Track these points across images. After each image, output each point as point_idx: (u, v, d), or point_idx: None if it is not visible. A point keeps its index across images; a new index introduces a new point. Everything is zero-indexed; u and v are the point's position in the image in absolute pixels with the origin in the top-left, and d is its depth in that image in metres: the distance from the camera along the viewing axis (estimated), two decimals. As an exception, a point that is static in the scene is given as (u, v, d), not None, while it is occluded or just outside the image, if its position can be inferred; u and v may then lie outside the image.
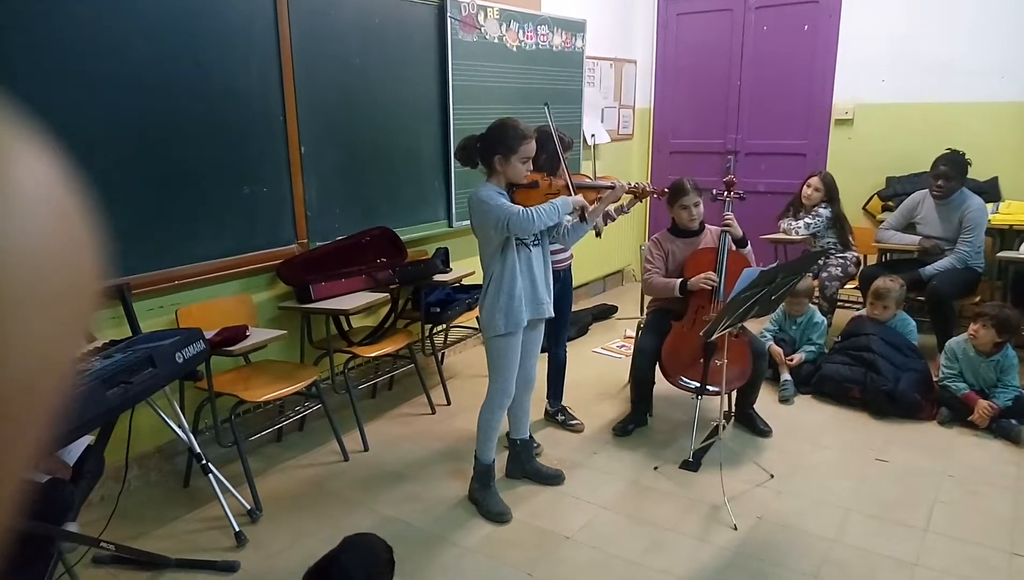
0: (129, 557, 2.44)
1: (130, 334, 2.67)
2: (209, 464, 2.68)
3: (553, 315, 2.87)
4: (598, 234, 2.70)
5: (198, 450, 2.68)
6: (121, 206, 2.78)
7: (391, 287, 3.61)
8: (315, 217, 3.49)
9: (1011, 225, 4.44)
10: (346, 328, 3.55)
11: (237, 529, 2.63)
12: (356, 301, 3.31)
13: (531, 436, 3.17)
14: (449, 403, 3.90)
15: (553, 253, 3.12)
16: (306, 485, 3.07)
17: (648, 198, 2.96)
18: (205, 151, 3.03)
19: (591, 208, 2.73)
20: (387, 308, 3.73)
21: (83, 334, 0.31)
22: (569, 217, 2.77)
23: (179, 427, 2.69)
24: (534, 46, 4.68)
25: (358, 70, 3.62)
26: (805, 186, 4.63)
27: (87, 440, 2.38)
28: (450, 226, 4.28)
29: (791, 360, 3.97)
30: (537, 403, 3.39)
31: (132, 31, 2.73)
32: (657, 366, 3.40)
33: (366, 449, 3.36)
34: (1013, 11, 4.62)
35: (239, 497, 2.79)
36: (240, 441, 2.86)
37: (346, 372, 3.39)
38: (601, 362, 4.56)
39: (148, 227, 2.88)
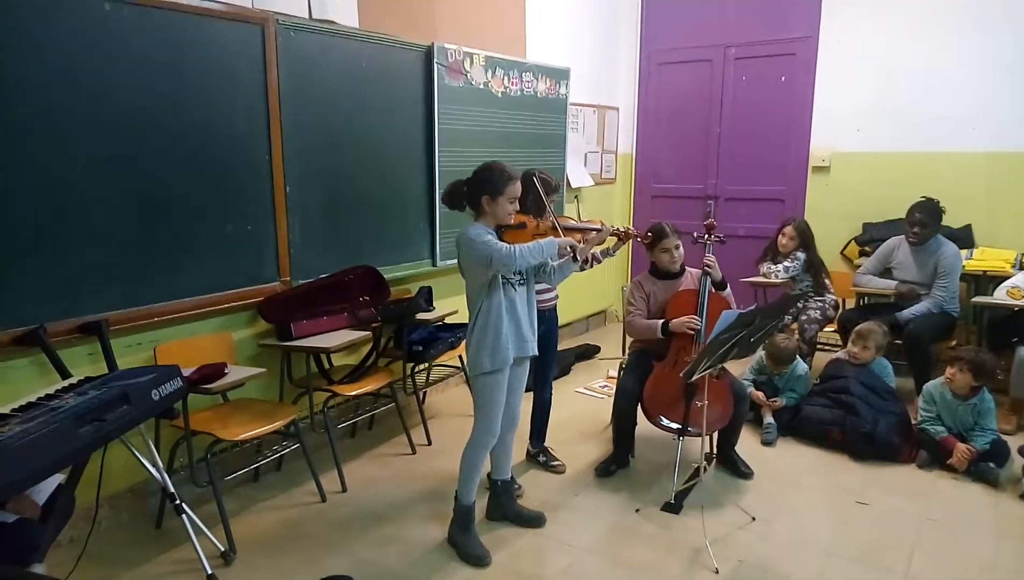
0: (96, 601, 2.37)
1: (106, 371, 2.64)
2: (183, 504, 2.62)
3: (537, 354, 2.88)
4: (582, 267, 2.77)
5: (172, 490, 2.63)
6: (103, 242, 2.78)
7: (373, 325, 3.60)
8: (298, 255, 3.49)
9: (985, 271, 4.53)
10: (327, 366, 3.53)
11: (210, 571, 2.57)
12: (337, 339, 3.30)
13: (512, 477, 3.14)
14: (430, 443, 3.86)
15: (539, 293, 3.14)
16: (282, 526, 3.01)
17: (631, 241, 3.00)
18: (189, 189, 3.04)
19: (579, 249, 2.78)
20: (369, 346, 3.71)
21: None
22: (556, 262, 2.81)
23: (153, 466, 2.63)
24: (519, 92, 4.78)
25: (345, 112, 3.67)
26: (780, 235, 4.72)
27: (58, 479, 2.33)
28: (434, 265, 4.30)
29: (773, 402, 3.98)
30: (519, 444, 3.36)
31: (120, 69, 2.76)
32: (639, 406, 3.40)
33: (344, 490, 3.31)
34: (982, 65, 4.79)
35: (213, 538, 2.73)
36: (216, 481, 2.81)
37: (325, 411, 3.36)
38: (584, 402, 4.55)
39: (129, 264, 2.87)
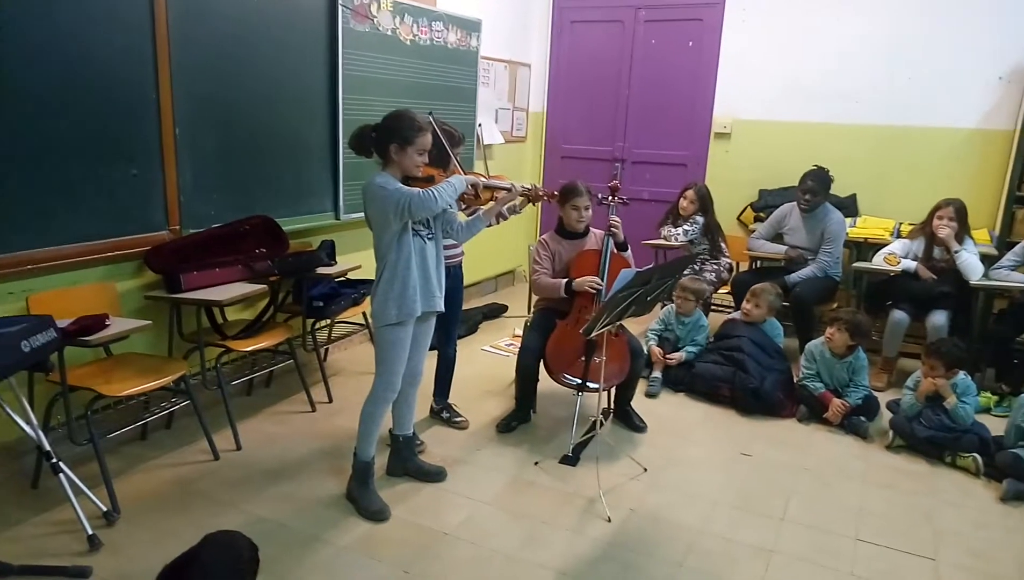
0: (-38, 565, 2.23)
1: (-30, 321, 2.44)
2: (60, 463, 2.48)
3: (444, 310, 2.87)
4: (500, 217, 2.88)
5: (47, 448, 2.48)
6: (-36, 181, 2.54)
7: (271, 279, 3.47)
8: (189, 203, 3.30)
9: (866, 238, 4.83)
10: (220, 321, 3.39)
11: (90, 532, 2.45)
12: (230, 292, 3.16)
13: (414, 433, 3.14)
14: (331, 401, 3.80)
15: (444, 249, 3.11)
16: (171, 485, 2.91)
17: (541, 201, 3.02)
18: (68, 127, 2.81)
19: (486, 207, 2.78)
20: (265, 301, 3.59)
21: None
22: (464, 215, 2.80)
23: (27, 423, 2.47)
24: (428, 41, 4.66)
25: (242, 52, 3.46)
26: (682, 198, 4.86)
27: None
28: (337, 218, 4.18)
29: (670, 359, 4.13)
30: (422, 400, 3.36)
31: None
32: (542, 363, 3.46)
33: (238, 448, 3.22)
34: (874, 43, 5.03)
35: (94, 498, 2.60)
36: (96, 439, 2.67)
37: (218, 367, 3.23)
38: (489, 360, 4.59)
39: (-3, 206, 2.64)
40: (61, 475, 2.48)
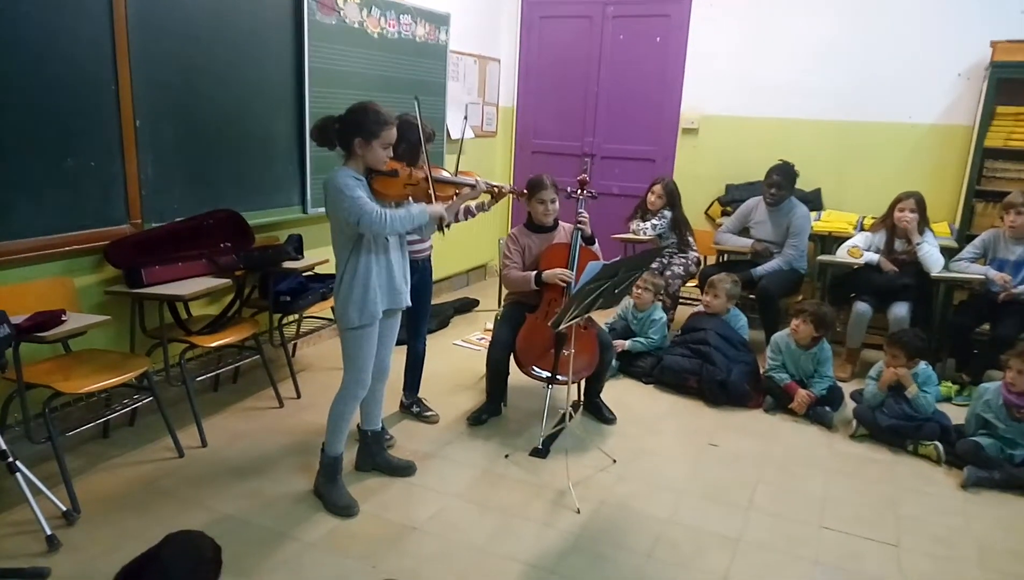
0: (-87, 568, 2.16)
1: (-80, 317, 2.36)
2: (16, 462, 2.42)
3: (410, 304, 2.84)
4: (442, 230, 2.75)
5: (3, 447, 2.41)
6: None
7: (236, 273, 3.42)
8: (151, 196, 3.23)
9: (830, 232, 4.90)
10: (184, 316, 3.32)
11: (49, 532, 2.39)
12: (194, 287, 3.10)
13: (384, 428, 3.12)
14: (299, 396, 3.75)
15: (412, 243, 3.09)
16: (134, 484, 2.85)
17: (509, 197, 3.01)
18: (18, 116, 2.72)
19: (448, 204, 2.74)
20: (231, 296, 3.53)
21: None
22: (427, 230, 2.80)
23: (-19, 422, 2.41)
24: (396, 34, 4.62)
25: (205, 44, 3.40)
26: (649, 193, 4.89)
27: None
28: (304, 212, 4.13)
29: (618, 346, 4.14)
30: (392, 395, 3.34)
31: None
32: (512, 356, 3.45)
33: (204, 445, 3.17)
34: (838, 40, 5.10)
35: (53, 498, 2.54)
36: (55, 437, 2.60)
37: (182, 363, 3.18)
38: (460, 354, 4.57)
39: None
40: (18, 474, 2.42)
